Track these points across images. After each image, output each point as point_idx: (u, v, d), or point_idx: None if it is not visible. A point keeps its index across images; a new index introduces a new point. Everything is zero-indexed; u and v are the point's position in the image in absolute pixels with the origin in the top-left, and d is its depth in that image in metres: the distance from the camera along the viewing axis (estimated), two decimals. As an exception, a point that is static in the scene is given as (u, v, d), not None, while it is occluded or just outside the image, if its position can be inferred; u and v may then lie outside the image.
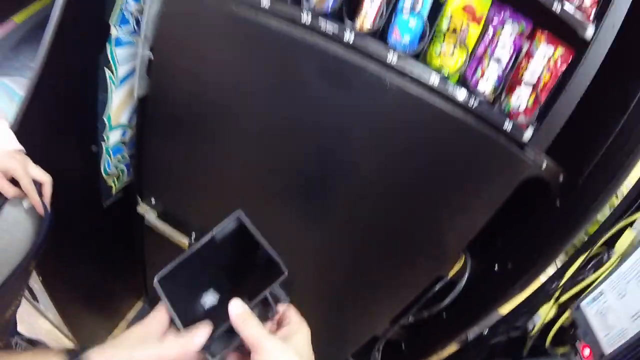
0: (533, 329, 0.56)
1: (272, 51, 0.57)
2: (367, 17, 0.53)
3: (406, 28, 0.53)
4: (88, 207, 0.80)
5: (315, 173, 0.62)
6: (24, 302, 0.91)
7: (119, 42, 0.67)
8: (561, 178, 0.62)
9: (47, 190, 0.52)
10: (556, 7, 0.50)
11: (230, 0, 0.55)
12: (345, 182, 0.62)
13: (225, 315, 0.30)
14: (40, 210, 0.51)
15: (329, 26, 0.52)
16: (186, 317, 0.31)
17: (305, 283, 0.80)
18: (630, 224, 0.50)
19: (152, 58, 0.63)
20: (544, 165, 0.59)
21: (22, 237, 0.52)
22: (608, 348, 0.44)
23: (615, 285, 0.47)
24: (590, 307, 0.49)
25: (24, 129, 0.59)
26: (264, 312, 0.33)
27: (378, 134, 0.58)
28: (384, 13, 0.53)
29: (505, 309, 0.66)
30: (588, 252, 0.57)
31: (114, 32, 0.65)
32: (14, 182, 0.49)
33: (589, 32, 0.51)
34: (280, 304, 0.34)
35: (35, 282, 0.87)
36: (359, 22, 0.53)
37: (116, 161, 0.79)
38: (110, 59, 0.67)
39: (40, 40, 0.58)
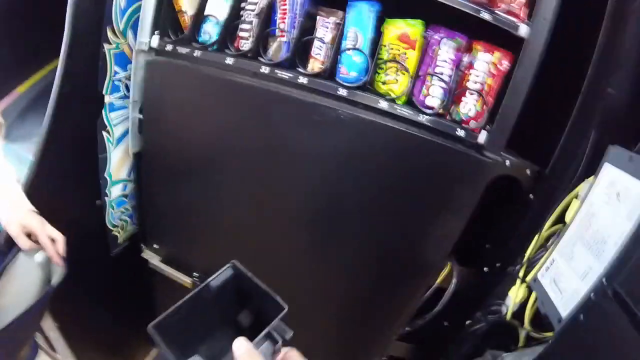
0: (507, 312, 0.58)
1: (241, 101, 0.67)
2: (316, 61, 0.62)
3: (352, 64, 0.62)
4: (97, 257, 0.89)
5: (296, 204, 0.70)
6: (42, 353, 1.00)
7: (112, 107, 0.79)
8: (529, 172, 0.67)
9: (61, 246, 0.60)
10: (486, 16, 0.58)
11: (200, 61, 0.67)
12: (325, 211, 0.69)
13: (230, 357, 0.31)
14: (58, 262, 0.59)
15: (284, 74, 0.62)
16: None
17: (304, 311, 0.84)
18: (577, 196, 0.54)
19: (142, 118, 0.74)
20: (508, 163, 0.64)
21: (33, 284, 0.60)
22: (564, 311, 0.46)
23: (563, 251, 0.50)
24: (545, 278, 0.52)
25: (34, 189, 0.70)
26: (269, 350, 0.34)
27: (343, 161, 0.65)
28: (330, 55, 0.62)
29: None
30: (540, 230, 0.59)
31: (107, 99, 0.78)
32: (29, 236, 0.59)
33: (523, 30, 0.58)
34: (285, 338, 0.35)
35: (52, 331, 0.95)
36: (310, 66, 0.63)
37: (120, 213, 0.89)
38: (106, 122, 0.79)
39: (43, 108, 0.70)
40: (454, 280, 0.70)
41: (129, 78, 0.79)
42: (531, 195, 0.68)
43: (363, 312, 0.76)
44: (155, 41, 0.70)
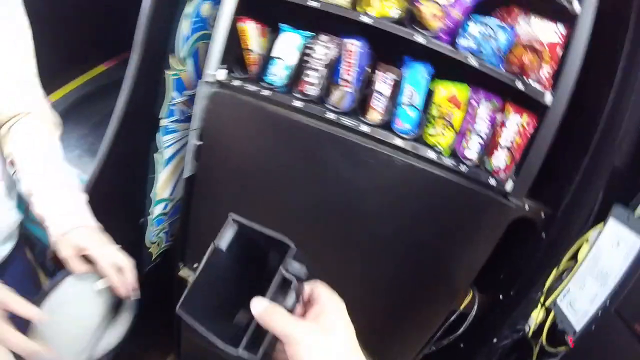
0: (529, 330, 0.73)
1: (302, 140, 0.76)
2: (375, 111, 0.73)
3: (406, 117, 0.73)
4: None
5: (345, 235, 0.80)
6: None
7: (165, 131, 0.85)
8: (543, 215, 0.82)
9: (129, 275, 0.50)
10: (520, 85, 0.72)
11: (267, 100, 0.75)
12: (369, 241, 0.79)
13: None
14: (124, 293, 0.50)
15: (349, 121, 0.72)
16: (225, 334, 0.30)
17: None
18: (587, 240, 0.70)
19: (200, 144, 0.80)
20: (527, 207, 0.78)
21: (88, 318, 0.49)
22: (578, 326, 0.63)
23: (576, 281, 0.67)
24: (562, 302, 0.69)
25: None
26: (291, 295, 0.31)
27: (392, 199, 0.77)
28: (389, 107, 0.73)
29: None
30: (557, 265, 0.76)
31: (162, 122, 0.83)
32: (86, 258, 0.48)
33: (547, 98, 0.73)
34: (306, 283, 0.32)
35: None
36: (370, 116, 0.73)
37: (158, 231, 0.94)
38: (158, 145, 0.84)
39: (77, 118, 0.74)
40: (475, 307, 0.83)
41: (184, 103, 0.85)
42: (543, 234, 0.83)
43: (394, 328, 0.88)
44: (221, 75, 0.77)
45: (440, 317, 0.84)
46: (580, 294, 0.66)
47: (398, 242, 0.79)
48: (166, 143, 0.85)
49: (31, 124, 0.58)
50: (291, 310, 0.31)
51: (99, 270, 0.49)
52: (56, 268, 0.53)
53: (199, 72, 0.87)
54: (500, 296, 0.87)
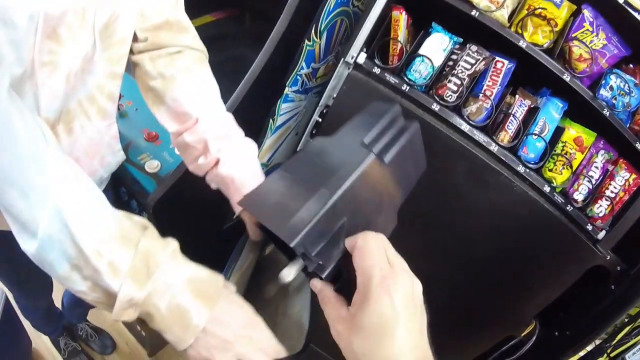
0: None
1: (429, 144, 0.80)
2: (507, 134, 0.79)
3: (534, 147, 0.79)
4: (211, 230, 0.98)
5: (439, 239, 0.87)
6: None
7: (286, 99, 0.88)
8: (619, 268, 0.90)
9: None
10: (639, 146, 0.79)
11: (404, 95, 0.79)
12: (462, 251, 0.87)
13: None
14: None
15: (481, 137, 0.77)
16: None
17: None
18: None
19: (320, 122, 0.85)
20: (609, 258, 0.87)
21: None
22: None
23: None
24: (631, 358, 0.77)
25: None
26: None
27: (496, 221, 0.83)
28: (521, 134, 0.79)
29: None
30: (633, 324, 0.85)
31: (286, 90, 0.87)
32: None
33: None
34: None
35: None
36: (501, 137, 0.79)
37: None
38: (276, 111, 0.88)
39: None
40: (534, 337, 0.92)
41: (306, 75, 0.89)
42: (613, 286, 0.92)
43: (452, 339, 0.97)
44: (362, 59, 0.80)
45: (499, 338, 0.93)
46: None
47: (488, 260, 0.86)
48: (282, 111, 0.89)
49: (198, 63, 0.58)
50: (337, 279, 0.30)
51: None
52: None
53: (328, 47, 0.91)
54: (556, 333, 0.97)
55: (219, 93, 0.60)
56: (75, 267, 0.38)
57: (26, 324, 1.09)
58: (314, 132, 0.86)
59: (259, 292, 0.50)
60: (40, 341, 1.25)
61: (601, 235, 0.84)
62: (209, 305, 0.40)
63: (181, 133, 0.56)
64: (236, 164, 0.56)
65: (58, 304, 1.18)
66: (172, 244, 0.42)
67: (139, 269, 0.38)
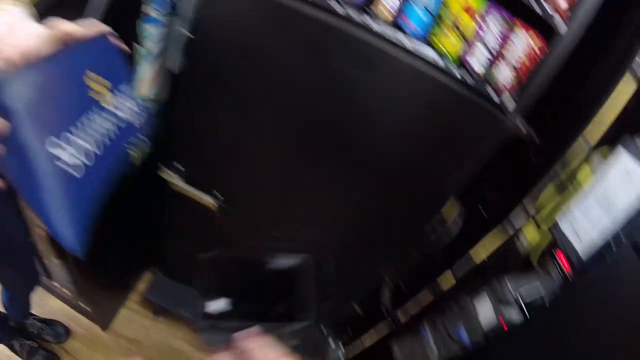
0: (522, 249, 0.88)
1: (307, 35, 0.79)
2: (385, 9, 0.77)
3: (417, 19, 0.78)
4: None
5: (333, 133, 0.88)
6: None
7: (152, 21, 0.84)
8: (537, 140, 0.94)
9: None
10: (535, 6, 0.78)
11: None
12: (364, 142, 0.88)
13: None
14: None
15: (360, 18, 0.75)
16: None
17: (318, 232, 1.09)
18: (587, 160, 0.83)
19: (192, 37, 0.81)
20: (523, 129, 0.90)
21: None
22: (584, 255, 0.75)
23: (581, 207, 0.79)
24: (564, 224, 0.81)
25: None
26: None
27: (392, 104, 0.84)
28: (400, 6, 0.77)
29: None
30: (555, 180, 0.89)
31: (148, 10, 0.82)
32: None
33: (562, 28, 0.80)
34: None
35: (53, 257, 1.04)
36: (380, 13, 0.77)
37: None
38: (142, 35, 0.84)
39: None
40: (459, 220, 0.98)
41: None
42: (532, 158, 0.96)
43: (377, 233, 1.04)
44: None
45: (425, 222, 0.99)
46: (585, 221, 0.76)
47: (393, 145, 0.88)
48: (153, 35, 0.85)
49: None
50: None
51: None
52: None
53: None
54: (482, 210, 1.02)
55: None
56: None
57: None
58: (186, 51, 0.83)
59: None
60: (-2, 351, 1.26)
61: (510, 105, 0.86)
62: None
63: None
64: None
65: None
66: None
67: None
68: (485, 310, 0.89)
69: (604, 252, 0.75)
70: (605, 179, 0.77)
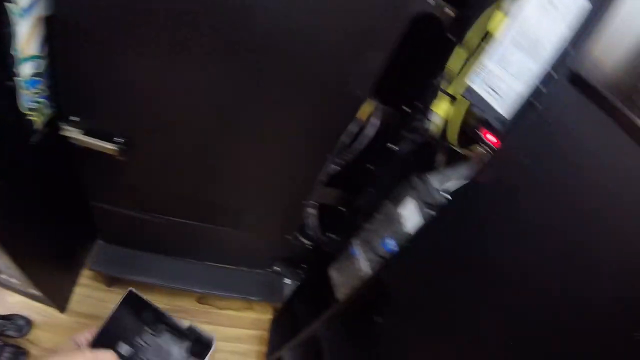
0: (433, 129, 0.76)
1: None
2: None
3: None
4: (16, 146, 0.95)
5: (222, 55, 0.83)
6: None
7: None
8: (453, 14, 0.83)
9: None
10: None
11: None
12: (255, 41, 0.81)
13: None
14: None
15: None
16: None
17: (230, 157, 1.06)
18: (499, 7, 0.71)
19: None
20: (433, 2, 0.79)
21: None
22: (505, 112, 0.64)
23: (494, 57, 0.67)
24: (476, 84, 0.69)
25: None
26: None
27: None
28: None
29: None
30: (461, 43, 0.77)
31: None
32: None
33: None
34: None
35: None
36: None
37: (33, 95, 0.94)
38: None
39: None
40: (377, 120, 0.88)
41: None
42: (450, 36, 0.85)
43: (290, 147, 0.98)
44: None
45: (342, 126, 0.89)
46: (502, 71, 0.65)
47: (295, 43, 0.81)
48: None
49: None
50: None
51: None
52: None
53: None
54: (405, 107, 0.91)
55: None
56: None
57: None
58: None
59: None
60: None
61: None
62: None
63: None
64: None
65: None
66: None
67: None
68: (411, 215, 0.77)
69: (533, 100, 0.63)
70: (522, 15, 0.66)
